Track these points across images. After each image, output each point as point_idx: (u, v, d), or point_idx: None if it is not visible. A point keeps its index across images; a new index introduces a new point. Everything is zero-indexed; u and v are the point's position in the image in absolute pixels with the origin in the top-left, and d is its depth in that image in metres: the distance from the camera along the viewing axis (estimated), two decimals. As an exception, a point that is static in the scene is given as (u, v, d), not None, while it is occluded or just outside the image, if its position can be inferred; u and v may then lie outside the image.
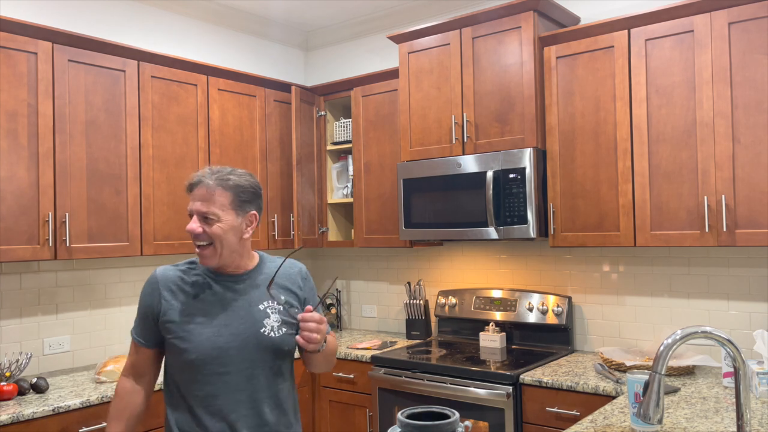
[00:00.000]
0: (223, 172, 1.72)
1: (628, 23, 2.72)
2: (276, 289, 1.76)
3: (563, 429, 2.46)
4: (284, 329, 1.75)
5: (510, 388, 2.69)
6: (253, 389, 1.72)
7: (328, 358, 1.84)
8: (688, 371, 2.62)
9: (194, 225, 1.68)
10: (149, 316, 1.75)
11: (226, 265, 1.75)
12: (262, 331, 1.72)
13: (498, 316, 3.35)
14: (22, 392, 2.58)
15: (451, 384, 2.86)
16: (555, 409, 2.60)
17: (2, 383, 2.53)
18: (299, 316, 1.66)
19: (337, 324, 4.10)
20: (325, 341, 1.74)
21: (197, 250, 1.71)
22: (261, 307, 1.75)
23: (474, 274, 3.60)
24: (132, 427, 1.77)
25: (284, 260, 1.81)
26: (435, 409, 1.50)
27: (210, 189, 1.68)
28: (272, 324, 1.73)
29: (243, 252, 1.77)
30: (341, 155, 3.94)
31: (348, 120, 3.84)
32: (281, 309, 1.75)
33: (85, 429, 2.53)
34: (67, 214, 2.77)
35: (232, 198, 1.70)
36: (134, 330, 1.80)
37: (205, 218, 1.68)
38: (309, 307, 1.69)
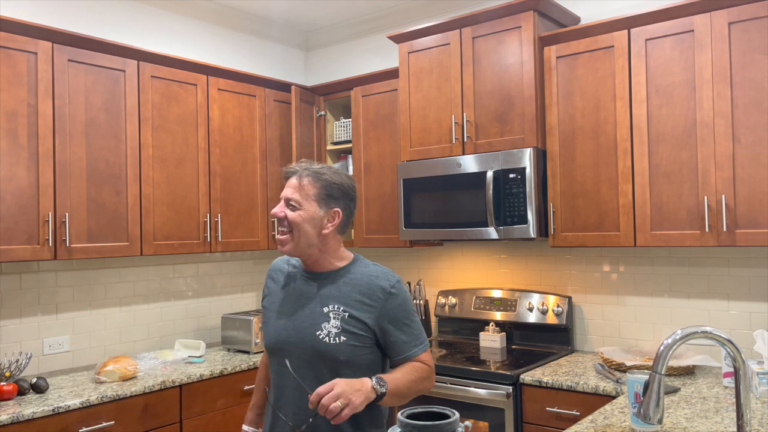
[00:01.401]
0: (317, 166, 1.79)
1: (628, 23, 2.71)
2: (350, 298, 1.71)
3: (563, 429, 2.46)
4: (343, 337, 1.67)
5: (510, 388, 2.69)
6: (304, 391, 1.64)
7: (403, 393, 1.67)
8: (688, 371, 2.62)
9: (277, 209, 1.75)
10: None
11: (304, 257, 1.77)
12: (317, 333, 1.68)
13: (498, 316, 3.35)
14: (22, 392, 2.58)
15: (451, 384, 2.86)
16: (555, 409, 2.60)
17: (2, 383, 2.53)
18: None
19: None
20: (379, 387, 1.57)
21: (278, 236, 1.76)
22: (325, 309, 1.72)
23: (474, 274, 3.60)
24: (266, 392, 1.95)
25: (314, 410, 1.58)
26: (435, 409, 1.50)
27: (301, 178, 1.75)
28: (329, 329, 1.68)
29: (325, 249, 1.76)
30: (341, 155, 3.93)
31: (348, 120, 3.83)
32: (345, 316, 1.69)
33: (85, 429, 2.53)
34: (67, 214, 2.77)
35: (318, 190, 1.74)
36: None
37: (289, 204, 1.74)
38: (310, 396, 1.52)
